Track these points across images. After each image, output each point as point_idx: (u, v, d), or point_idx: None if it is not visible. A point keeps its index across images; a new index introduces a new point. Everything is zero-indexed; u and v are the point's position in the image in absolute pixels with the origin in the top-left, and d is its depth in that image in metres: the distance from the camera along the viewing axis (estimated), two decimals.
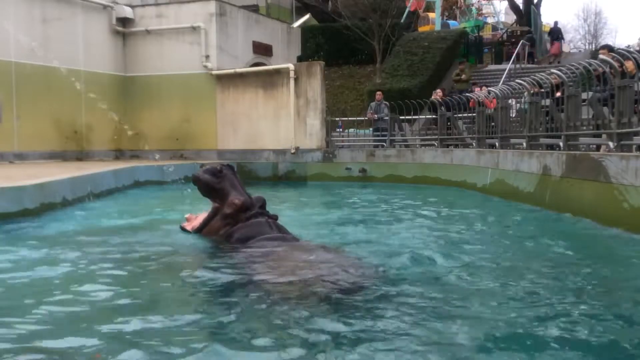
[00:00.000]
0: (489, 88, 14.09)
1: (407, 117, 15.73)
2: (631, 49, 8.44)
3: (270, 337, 2.79)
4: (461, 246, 5.36)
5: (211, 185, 5.12)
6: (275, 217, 5.18)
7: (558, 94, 9.28)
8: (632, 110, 6.99)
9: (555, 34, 28.21)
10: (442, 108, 14.43)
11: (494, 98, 12.45)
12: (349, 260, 4.40)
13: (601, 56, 8.48)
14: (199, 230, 5.28)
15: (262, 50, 17.75)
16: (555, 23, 29.64)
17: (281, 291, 3.59)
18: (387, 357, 2.58)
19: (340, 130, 17.76)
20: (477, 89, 16.58)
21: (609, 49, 10.47)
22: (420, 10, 30.85)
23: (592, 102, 8.37)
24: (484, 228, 6.67)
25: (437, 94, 15.90)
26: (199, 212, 5.57)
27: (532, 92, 9.91)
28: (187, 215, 5.63)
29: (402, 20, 29.51)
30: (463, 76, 18.91)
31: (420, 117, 16.42)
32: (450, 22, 32.42)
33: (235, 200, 5.01)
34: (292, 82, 15.02)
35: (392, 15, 28.02)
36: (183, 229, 5.53)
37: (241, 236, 4.91)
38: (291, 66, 15.34)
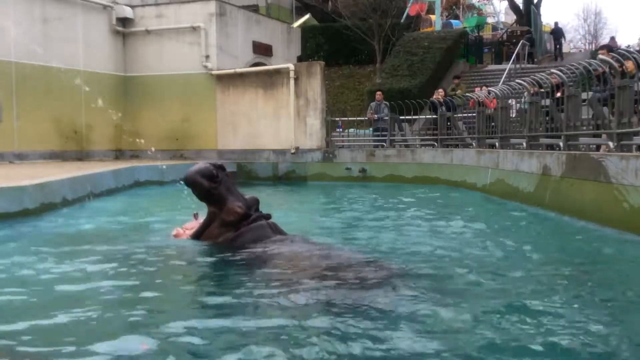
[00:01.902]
0: (489, 88, 14.09)
1: (407, 117, 15.74)
2: (631, 49, 8.45)
3: (287, 337, 2.79)
4: (461, 246, 5.36)
5: (208, 190, 4.89)
6: (268, 217, 5.10)
7: (558, 94, 9.28)
8: (632, 110, 6.99)
9: (558, 34, 28.26)
10: (442, 108, 14.42)
11: (494, 98, 12.46)
12: (361, 258, 4.42)
13: (601, 56, 8.49)
14: (197, 238, 5.07)
15: (262, 50, 17.75)
16: (556, 23, 29.66)
17: (299, 290, 3.59)
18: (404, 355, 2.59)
19: (340, 130, 17.76)
20: (477, 89, 16.58)
21: (609, 49, 10.47)
22: (423, 13, 30.77)
23: (592, 102, 8.38)
24: (484, 228, 6.66)
25: (439, 94, 15.89)
26: (186, 222, 5.41)
27: (532, 92, 9.91)
28: (174, 233, 5.33)
29: (402, 21, 29.50)
30: (459, 91, 18.89)
31: (420, 117, 16.42)
32: (453, 21, 32.38)
33: (237, 209, 4.85)
34: (292, 82, 15.02)
35: (392, 15, 28.02)
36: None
37: (247, 241, 4.82)
38: (291, 66, 15.35)
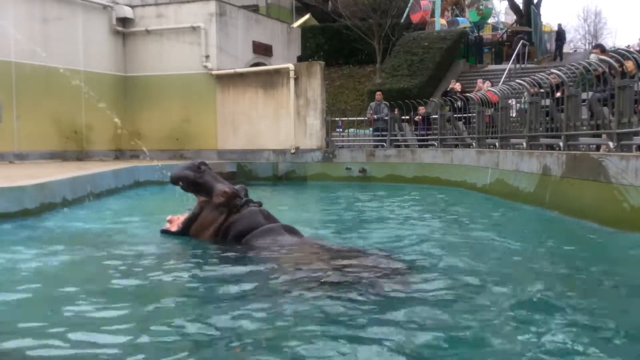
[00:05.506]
0: (490, 88, 14.09)
1: (407, 117, 15.73)
2: (631, 49, 8.45)
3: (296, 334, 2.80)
4: (461, 246, 5.36)
5: (193, 179, 5.17)
6: (260, 204, 5.22)
7: (558, 94, 9.28)
8: (632, 110, 6.99)
9: (561, 35, 28.36)
10: (459, 103, 14.24)
11: (493, 95, 12.45)
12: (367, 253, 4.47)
13: (593, 55, 8.48)
14: (185, 229, 5.20)
15: (262, 50, 17.75)
16: (559, 25, 29.67)
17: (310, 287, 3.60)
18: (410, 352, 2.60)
19: (340, 130, 17.77)
20: (479, 82, 16.59)
21: (602, 48, 10.47)
22: (427, 17, 30.66)
23: (592, 102, 8.38)
24: (484, 228, 6.66)
25: (456, 86, 15.87)
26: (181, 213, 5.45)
27: (532, 92, 9.91)
28: (168, 217, 5.48)
29: (402, 21, 29.51)
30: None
31: (418, 116, 16.42)
32: (460, 19, 32.33)
33: (226, 189, 5.06)
34: (292, 82, 15.02)
35: (392, 15, 28.04)
36: (166, 232, 5.40)
37: (241, 228, 4.90)
38: (291, 66, 15.35)
